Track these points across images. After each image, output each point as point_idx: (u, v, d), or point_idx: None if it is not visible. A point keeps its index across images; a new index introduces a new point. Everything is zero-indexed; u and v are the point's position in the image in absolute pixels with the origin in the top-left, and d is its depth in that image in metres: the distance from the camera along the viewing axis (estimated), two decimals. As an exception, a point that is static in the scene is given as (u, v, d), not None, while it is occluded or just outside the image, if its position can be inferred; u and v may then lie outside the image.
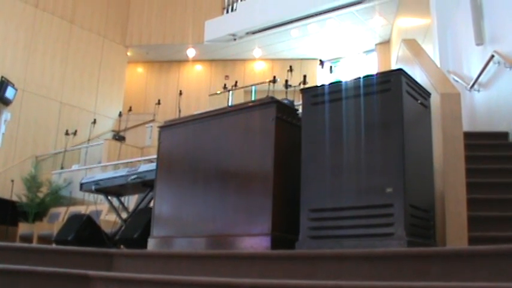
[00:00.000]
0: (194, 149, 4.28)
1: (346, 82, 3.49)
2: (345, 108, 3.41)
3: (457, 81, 7.56)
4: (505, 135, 5.97)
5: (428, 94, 3.74)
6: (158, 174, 4.44)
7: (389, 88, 3.27)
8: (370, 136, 3.28)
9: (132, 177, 5.03)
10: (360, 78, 3.42)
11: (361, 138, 3.31)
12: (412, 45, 5.68)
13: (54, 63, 14.98)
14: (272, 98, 3.89)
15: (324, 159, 3.44)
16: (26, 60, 14.14)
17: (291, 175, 3.63)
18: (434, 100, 3.87)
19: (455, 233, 3.68)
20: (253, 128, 3.91)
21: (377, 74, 3.41)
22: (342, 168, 3.35)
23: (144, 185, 5.06)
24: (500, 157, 5.49)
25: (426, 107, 3.68)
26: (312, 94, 3.62)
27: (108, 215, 8.88)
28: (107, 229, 6.18)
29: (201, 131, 4.26)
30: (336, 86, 3.53)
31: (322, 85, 3.62)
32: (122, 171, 5.34)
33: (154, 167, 4.57)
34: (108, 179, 5.38)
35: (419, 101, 3.52)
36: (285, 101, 4.26)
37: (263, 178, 3.69)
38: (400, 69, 3.31)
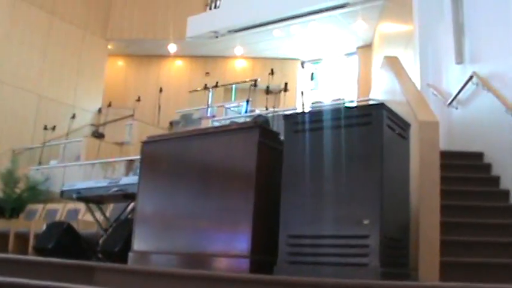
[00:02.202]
0: (176, 165, 4.33)
1: (327, 111, 3.56)
2: (325, 138, 3.49)
3: (435, 95, 7.69)
4: (480, 155, 6.12)
5: (408, 125, 3.83)
6: (140, 189, 4.48)
7: (371, 122, 3.35)
8: (349, 167, 3.36)
9: (114, 189, 5.08)
10: (341, 109, 3.51)
11: (340, 169, 3.39)
12: (394, 63, 5.79)
13: (33, 54, 14.71)
14: (255, 122, 3.97)
15: (304, 187, 3.52)
16: (2, 50, 13.85)
17: (272, 198, 3.69)
18: (414, 125, 3.96)
19: (428, 259, 3.81)
20: (235, 150, 3.97)
21: (359, 107, 3.50)
22: (321, 196, 3.44)
23: (125, 196, 5.11)
24: (474, 179, 5.64)
25: (405, 138, 3.77)
26: (293, 121, 3.70)
27: (86, 215, 8.86)
28: (85, 230, 6.23)
29: (183, 148, 4.32)
30: (317, 114, 3.61)
31: (303, 112, 3.72)
32: (104, 182, 5.36)
33: (136, 181, 4.61)
34: (90, 188, 5.41)
35: (397, 132, 3.61)
36: (261, 118, 4.35)
37: (244, 200, 3.75)
38: (382, 104, 3.40)
